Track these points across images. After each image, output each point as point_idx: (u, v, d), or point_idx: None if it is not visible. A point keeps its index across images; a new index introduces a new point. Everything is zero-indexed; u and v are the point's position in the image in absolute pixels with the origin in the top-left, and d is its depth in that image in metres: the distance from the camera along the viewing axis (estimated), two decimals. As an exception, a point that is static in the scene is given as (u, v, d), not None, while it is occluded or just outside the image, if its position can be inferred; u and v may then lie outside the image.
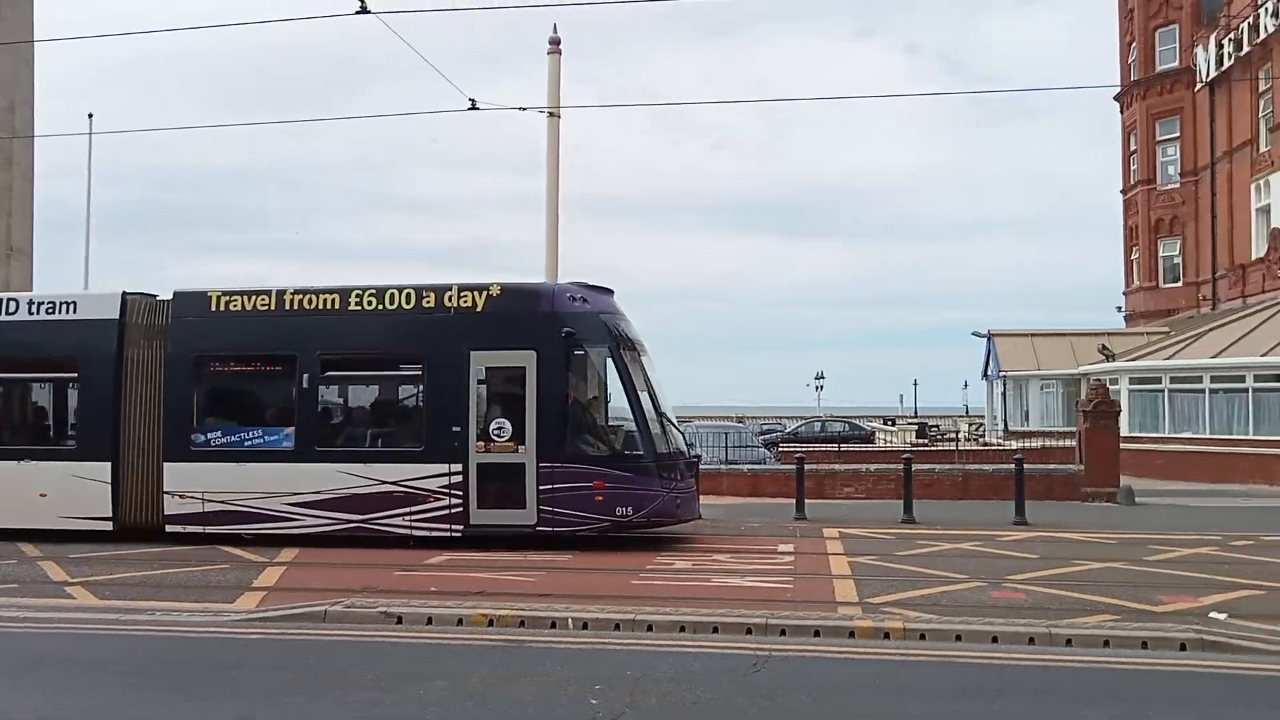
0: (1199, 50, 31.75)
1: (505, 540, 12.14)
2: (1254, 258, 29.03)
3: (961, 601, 9.13)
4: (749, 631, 8.00)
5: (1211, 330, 25.51)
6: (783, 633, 7.95)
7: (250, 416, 13.32)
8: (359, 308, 12.88)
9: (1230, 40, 29.46)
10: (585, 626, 8.21)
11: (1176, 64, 33.58)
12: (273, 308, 13.08)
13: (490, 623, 8.33)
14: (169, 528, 12.95)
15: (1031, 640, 7.72)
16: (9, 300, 13.95)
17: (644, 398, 12.73)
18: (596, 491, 12.23)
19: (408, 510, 12.47)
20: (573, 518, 12.24)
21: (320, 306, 12.98)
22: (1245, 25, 28.59)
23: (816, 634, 7.94)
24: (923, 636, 7.85)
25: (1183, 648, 7.53)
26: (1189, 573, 10.65)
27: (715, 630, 8.06)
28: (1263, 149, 28.52)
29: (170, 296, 13.58)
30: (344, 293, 13.00)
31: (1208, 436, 23.06)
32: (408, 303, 12.83)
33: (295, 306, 13.03)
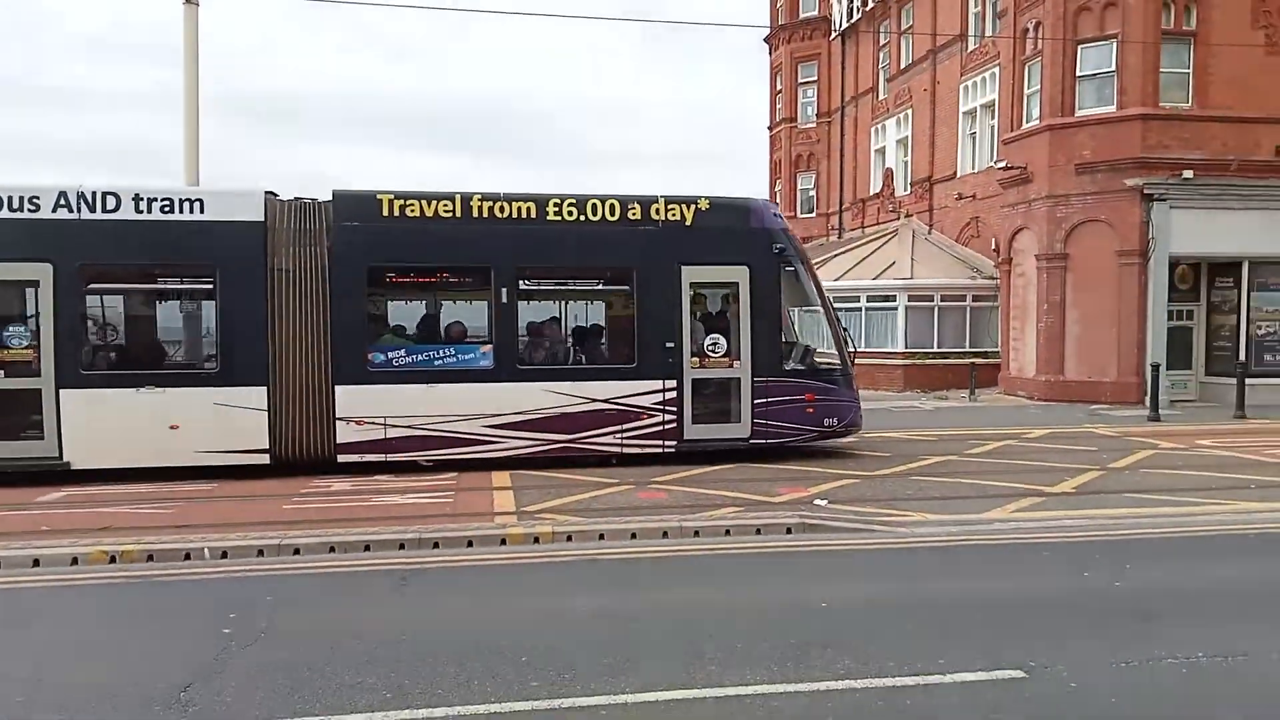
0: (834, 2, 35.05)
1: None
2: (872, 193, 33.08)
3: (611, 504, 9.76)
4: (401, 547, 8.02)
5: (836, 256, 28.84)
6: (436, 545, 8.06)
7: (437, 334, 12.34)
8: (559, 218, 12.17)
9: (859, -5, 32.80)
10: (225, 555, 7.78)
11: (816, 12, 36.85)
12: (458, 215, 11.95)
13: (112, 559, 7.62)
14: (341, 457, 11.71)
15: (665, 534, 8.47)
16: (105, 194, 11.23)
17: (833, 312, 13.49)
18: (808, 404, 12.74)
19: (619, 427, 12.30)
20: (786, 430, 12.67)
21: (515, 215, 12.09)
22: (871, -17, 31.94)
23: (470, 544, 8.14)
24: (570, 538, 8.33)
25: (789, 531, 8.65)
26: (803, 466, 12.16)
27: (367, 548, 7.99)
28: (881, 97, 32.30)
29: (328, 198, 11.90)
30: (540, 201, 12.20)
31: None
32: (612, 214, 12.31)
33: (485, 214, 12.03)
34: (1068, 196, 20.68)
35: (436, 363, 12.06)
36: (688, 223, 12.46)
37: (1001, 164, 22.54)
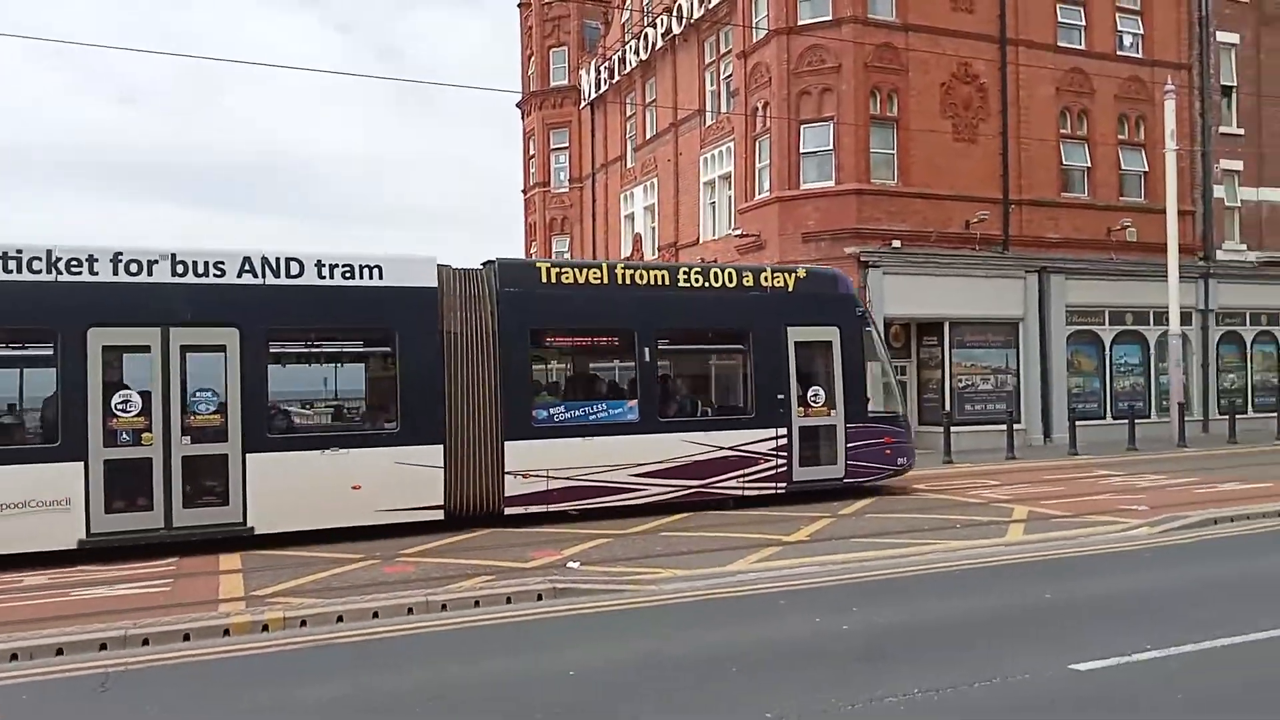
0: (583, 73, 36.34)
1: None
2: (623, 256, 34.18)
3: (353, 582, 9.20)
4: (103, 647, 7.09)
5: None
6: (146, 642, 7.21)
7: (589, 390, 13.46)
8: (688, 285, 13.54)
9: (606, 68, 34.20)
10: None
11: (567, 82, 38.00)
12: (605, 281, 13.10)
13: None
14: (508, 510, 12.34)
15: (410, 610, 8.07)
16: (289, 260, 11.49)
17: (891, 365, 15.70)
18: (886, 445, 14.60)
19: (741, 472, 13.55)
20: (870, 469, 14.46)
21: (652, 282, 13.37)
22: (616, 57, 33.42)
23: (186, 638, 7.34)
24: (304, 623, 7.73)
25: (540, 597, 8.51)
26: (557, 529, 12.09)
27: (60, 652, 7.00)
28: (629, 165, 33.67)
29: (489, 265, 12.88)
30: (672, 270, 13.68)
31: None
32: (730, 281, 13.82)
33: (627, 281, 13.24)
34: (797, 262, 22.29)
35: (590, 417, 12.97)
36: (789, 289, 14.21)
37: (738, 231, 24.05)
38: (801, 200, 22.38)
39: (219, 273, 11.18)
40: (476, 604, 8.31)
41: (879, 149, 22.39)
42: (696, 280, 13.65)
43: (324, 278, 11.59)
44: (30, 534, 10.23)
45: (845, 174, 22.04)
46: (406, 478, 11.68)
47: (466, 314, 12.29)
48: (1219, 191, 26.38)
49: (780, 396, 13.81)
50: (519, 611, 8.20)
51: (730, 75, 26.15)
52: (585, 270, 13.12)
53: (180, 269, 11.02)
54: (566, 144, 38.24)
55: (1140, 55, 25.35)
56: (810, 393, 14.10)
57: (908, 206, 22.38)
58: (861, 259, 21.42)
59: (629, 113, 33.55)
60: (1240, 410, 25.12)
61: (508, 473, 12.28)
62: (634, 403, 13.13)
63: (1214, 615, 7.41)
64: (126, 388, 10.78)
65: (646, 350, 13.16)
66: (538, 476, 12.45)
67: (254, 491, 10.99)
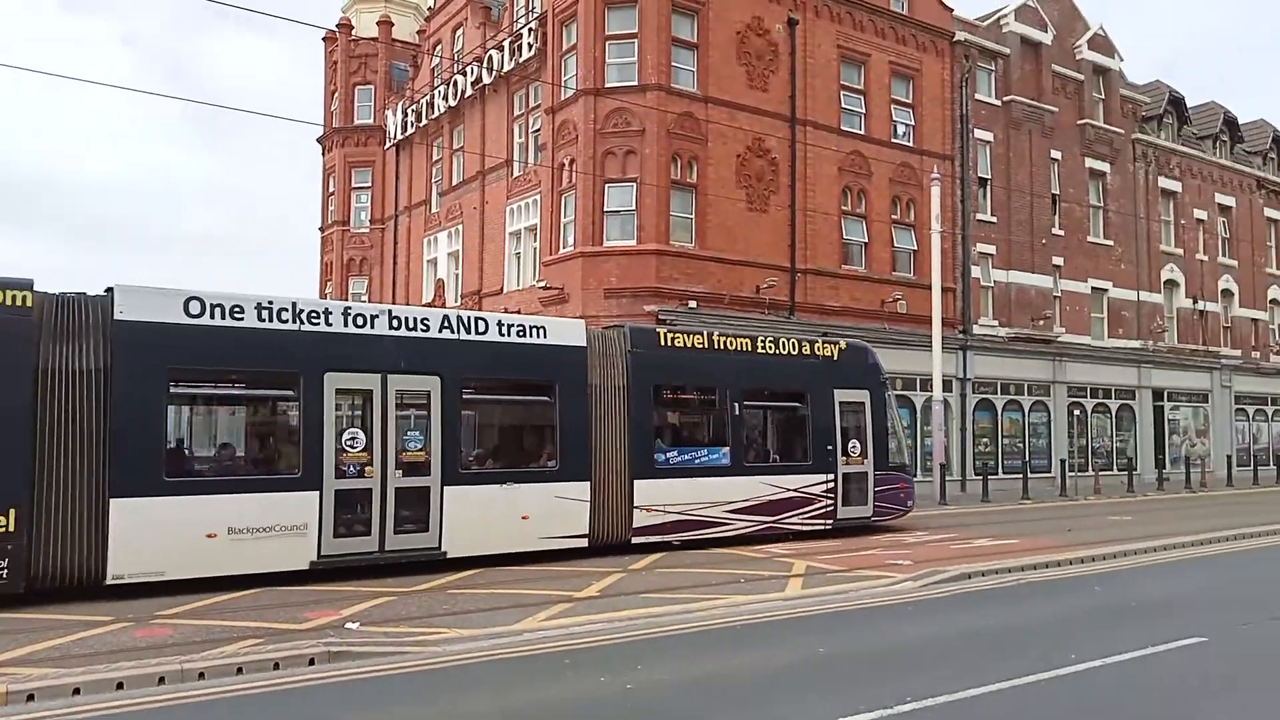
0: (389, 113, 35.63)
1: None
2: (424, 302, 33.43)
3: (98, 648, 8.29)
4: None
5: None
6: None
7: (692, 438, 15.72)
8: (762, 351, 16.14)
9: (414, 110, 33.71)
10: None
11: (372, 120, 37.13)
12: (705, 346, 15.49)
13: None
14: (635, 539, 14.42)
15: (162, 680, 7.35)
16: (478, 319, 13.42)
17: (900, 423, 18.97)
18: (900, 490, 17.67)
19: (801, 510, 16.11)
20: (889, 509, 17.46)
21: (738, 348, 15.87)
22: (425, 101, 33.04)
23: (-120, 720, 6.34)
24: (31, 698, 6.85)
25: (312, 662, 7.99)
26: (338, 587, 11.47)
27: None
28: (434, 210, 33.17)
29: (619, 329, 15.19)
30: (752, 339, 16.28)
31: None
32: (794, 350, 16.59)
33: (720, 347, 15.66)
34: (599, 317, 22.64)
35: (696, 461, 15.37)
36: (835, 358, 17.09)
37: (542, 284, 24.16)
38: (604, 257, 22.82)
39: (425, 327, 12.86)
40: (239, 671, 7.68)
41: (679, 212, 23.27)
42: (769, 348, 16.34)
43: (503, 335, 13.49)
44: (272, 555, 11.49)
45: (646, 234, 22.70)
46: (563, 510, 13.67)
47: (604, 370, 14.42)
48: (976, 272, 29.24)
49: (830, 447, 16.59)
50: (287, 678, 7.65)
51: (539, 129, 26.46)
52: (691, 336, 15.73)
53: (395, 323, 12.63)
54: (369, 184, 37.24)
55: (911, 144, 27.87)
56: (849, 445, 16.90)
57: (704, 269, 23.31)
58: (660, 317, 22.03)
59: (435, 157, 33.17)
60: (992, 471, 27.65)
61: (636, 507, 14.44)
62: (726, 449, 15.56)
63: (966, 665, 7.98)
64: (354, 426, 12.30)
65: (734, 405, 15.70)
66: (659, 510, 14.69)
67: (449, 520, 12.63)
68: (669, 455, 15.07)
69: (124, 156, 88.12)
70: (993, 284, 29.91)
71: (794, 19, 25.28)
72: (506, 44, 27.80)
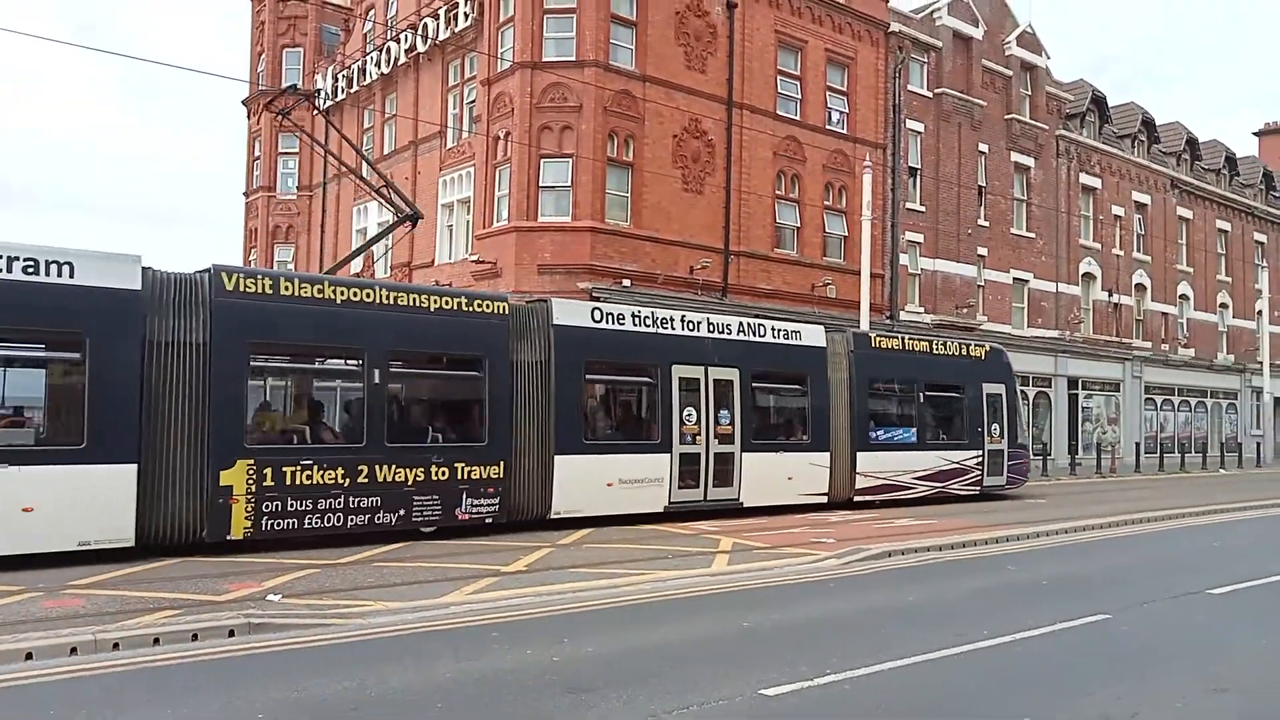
0: (319, 77, 34.68)
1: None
2: (353, 273, 32.74)
3: (5, 617, 8.00)
4: None
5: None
6: None
7: (892, 420, 19.67)
8: (938, 352, 20.58)
9: (344, 76, 32.87)
10: None
11: (301, 84, 36.06)
12: (902, 348, 19.96)
13: None
14: (856, 499, 18.46)
15: (74, 650, 7.14)
16: (759, 324, 17.88)
17: (1016, 411, 22.11)
18: (1023, 465, 22.23)
19: (960, 479, 20.32)
20: (1015, 479, 21.76)
21: (923, 350, 20.38)
22: (356, 67, 32.25)
23: None
24: (-69, 670, 6.59)
25: (231, 634, 7.84)
26: (260, 558, 11.25)
27: None
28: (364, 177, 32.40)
29: (846, 334, 19.49)
30: (930, 342, 20.91)
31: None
32: (958, 351, 21.00)
33: (912, 349, 20.11)
34: (531, 293, 22.51)
35: (895, 439, 19.38)
36: (982, 358, 21.25)
37: (475, 257, 23.88)
38: (539, 233, 22.65)
39: (728, 331, 17.02)
40: (156, 641, 7.51)
41: (615, 190, 23.19)
42: (941, 349, 20.65)
43: (775, 338, 17.65)
44: (643, 500, 15.52)
45: (582, 211, 22.59)
46: (812, 474, 17.79)
47: (836, 366, 18.48)
48: (904, 259, 29.84)
49: (979, 429, 20.70)
50: (205, 649, 7.52)
51: (474, 100, 26.07)
52: (890, 338, 20.13)
53: (709, 328, 16.75)
54: (296, 149, 36.23)
55: (845, 131, 28.24)
56: (991, 427, 20.90)
57: (639, 248, 23.31)
58: (593, 294, 21.98)
59: (367, 124, 32.43)
60: (913, 454, 28.32)
61: (858, 473, 18.39)
62: (912, 429, 19.69)
63: (885, 640, 8.22)
64: (688, 405, 16.11)
65: (921, 394, 19.88)
66: (872, 476, 18.65)
67: (745, 479, 16.71)
68: (877, 434, 19.03)
69: (34, 114, 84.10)
70: (920, 272, 30.55)
71: (733, 2, 25.31)
72: (442, 12, 27.26)
